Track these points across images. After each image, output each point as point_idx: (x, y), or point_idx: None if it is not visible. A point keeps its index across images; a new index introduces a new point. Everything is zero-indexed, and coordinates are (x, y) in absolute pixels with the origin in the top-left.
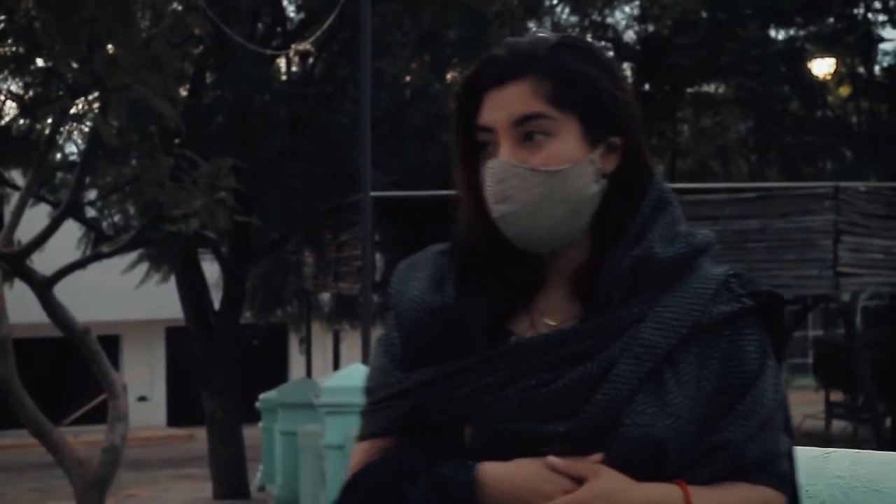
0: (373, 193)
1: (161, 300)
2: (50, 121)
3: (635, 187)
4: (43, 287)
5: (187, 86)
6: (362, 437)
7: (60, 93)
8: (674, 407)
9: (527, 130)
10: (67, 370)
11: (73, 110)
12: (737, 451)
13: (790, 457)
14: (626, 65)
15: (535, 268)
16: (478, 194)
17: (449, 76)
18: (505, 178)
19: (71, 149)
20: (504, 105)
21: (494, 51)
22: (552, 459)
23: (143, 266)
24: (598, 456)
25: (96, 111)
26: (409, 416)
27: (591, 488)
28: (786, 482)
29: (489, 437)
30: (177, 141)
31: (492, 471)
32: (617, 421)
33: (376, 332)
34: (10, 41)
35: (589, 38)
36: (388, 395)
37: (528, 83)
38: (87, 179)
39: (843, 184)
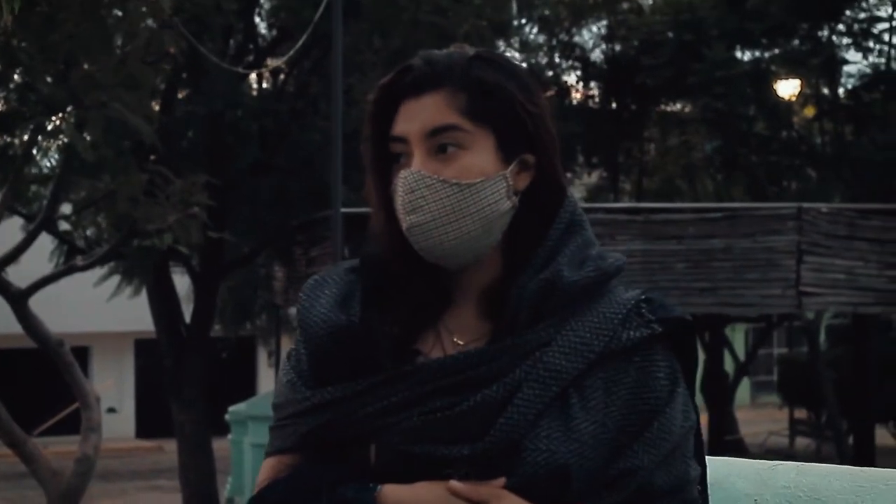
0: (343, 210)
1: (130, 312)
2: (26, 137)
3: (547, 207)
4: (18, 299)
5: (159, 101)
6: (270, 453)
7: (37, 108)
8: (578, 433)
9: (440, 142)
10: (37, 381)
11: (48, 126)
12: (644, 478)
13: (702, 483)
14: (593, 84)
15: (444, 285)
16: (389, 206)
17: None
18: (416, 188)
19: (46, 162)
20: (418, 115)
21: (411, 61)
22: (454, 483)
23: (115, 278)
24: (500, 481)
25: (72, 127)
26: (314, 434)
27: None
28: None
29: (393, 458)
30: (152, 157)
31: (393, 493)
32: (520, 445)
33: None
34: None
35: (557, 57)
36: (295, 412)
37: (443, 94)
38: (62, 194)
39: (805, 205)
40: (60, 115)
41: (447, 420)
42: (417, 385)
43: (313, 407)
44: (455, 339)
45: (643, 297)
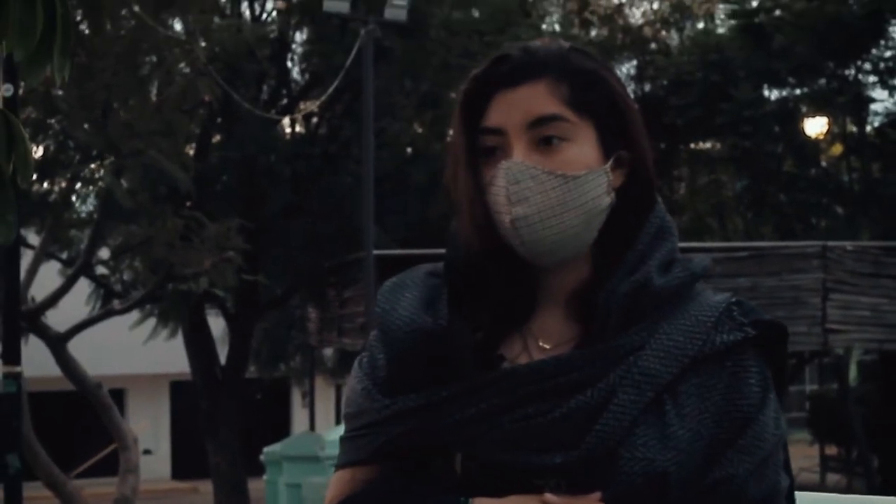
0: (375, 252)
1: (166, 355)
2: (64, 184)
3: (639, 207)
4: (57, 343)
5: (194, 146)
6: (342, 465)
7: (76, 157)
8: (675, 440)
9: (543, 133)
10: (75, 422)
11: (86, 173)
12: (739, 487)
13: (790, 496)
14: None
15: (531, 287)
16: (479, 201)
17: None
18: (521, 179)
19: (83, 207)
20: (518, 106)
21: (506, 50)
22: (549, 497)
23: (151, 321)
24: (596, 495)
25: (110, 174)
26: (395, 443)
27: None
28: None
29: (481, 468)
30: (188, 204)
31: None
32: (616, 453)
33: None
34: (29, 107)
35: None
36: (373, 421)
37: (544, 84)
38: (100, 239)
39: (830, 243)
40: (98, 162)
41: (540, 427)
42: (507, 391)
43: (395, 414)
44: (541, 344)
45: (733, 299)
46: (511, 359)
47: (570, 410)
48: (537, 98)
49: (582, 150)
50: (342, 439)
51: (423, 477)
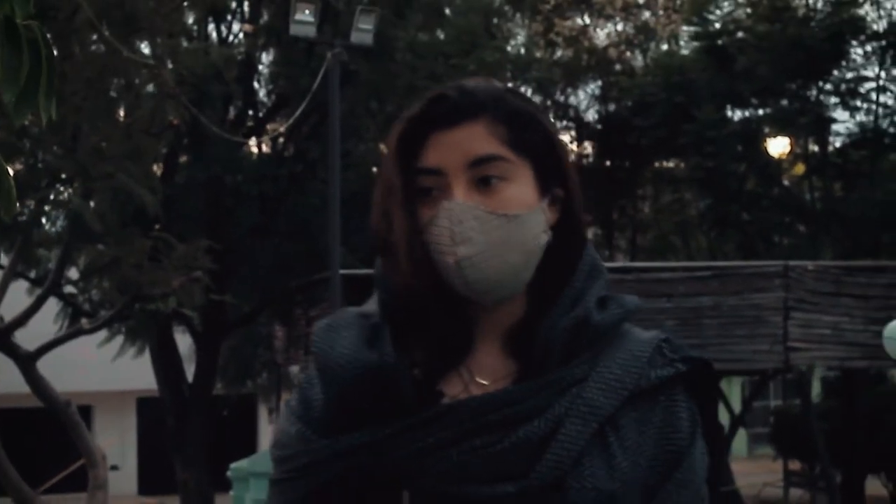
0: (342, 271)
1: (133, 371)
2: (33, 205)
3: (573, 245)
4: (26, 362)
5: (161, 166)
6: None
7: (45, 179)
8: (620, 472)
9: (482, 173)
10: (41, 439)
11: (55, 196)
12: None
13: None
14: (587, 143)
15: (468, 325)
16: (417, 242)
17: None
18: (464, 219)
19: (52, 228)
20: (457, 146)
21: (442, 90)
22: None
23: (118, 339)
24: None
25: (79, 197)
26: (337, 483)
27: None
28: None
29: (429, 501)
30: (157, 227)
31: None
32: (564, 483)
33: None
34: None
35: (552, 117)
36: (312, 462)
37: (482, 124)
38: (68, 260)
39: (792, 262)
40: (68, 185)
41: (489, 458)
42: (455, 424)
43: (339, 453)
44: (479, 380)
45: (662, 336)
46: (451, 395)
47: (518, 440)
48: (476, 138)
49: (521, 189)
50: (273, 482)
51: None
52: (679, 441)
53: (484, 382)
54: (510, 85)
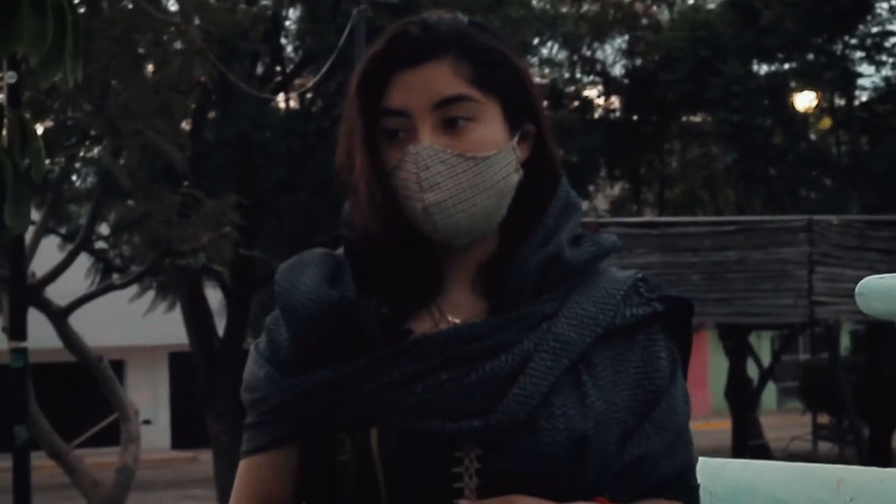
0: None
1: (164, 326)
2: (63, 163)
3: (545, 181)
4: (59, 317)
5: (190, 122)
6: (250, 452)
7: (74, 138)
8: (594, 411)
9: (449, 114)
10: (74, 393)
11: (85, 153)
12: (654, 464)
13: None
14: (614, 98)
15: (438, 265)
16: (382, 185)
17: None
18: (431, 164)
19: (83, 184)
20: (421, 87)
21: (405, 27)
22: (463, 502)
23: (149, 294)
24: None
25: (109, 155)
26: (306, 423)
27: None
28: (695, 496)
29: (397, 440)
30: (185, 183)
31: None
32: (534, 421)
33: None
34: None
35: (578, 73)
36: (280, 402)
37: (447, 63)
38: (99, 216)
39: (816, 217)
40: (97, 142)
41: (455, 393)
42: (420, 359)
43: (304, 392)
44: (450, 318)
45: (639, 276)
46: (419, 333)
47: (485, 374)
48: (441, 78)
49: (489, 129)
50: (246, 426)
51: (333, 458)
52: (658, 381)
53: (455, 321)
54: (481, 20)
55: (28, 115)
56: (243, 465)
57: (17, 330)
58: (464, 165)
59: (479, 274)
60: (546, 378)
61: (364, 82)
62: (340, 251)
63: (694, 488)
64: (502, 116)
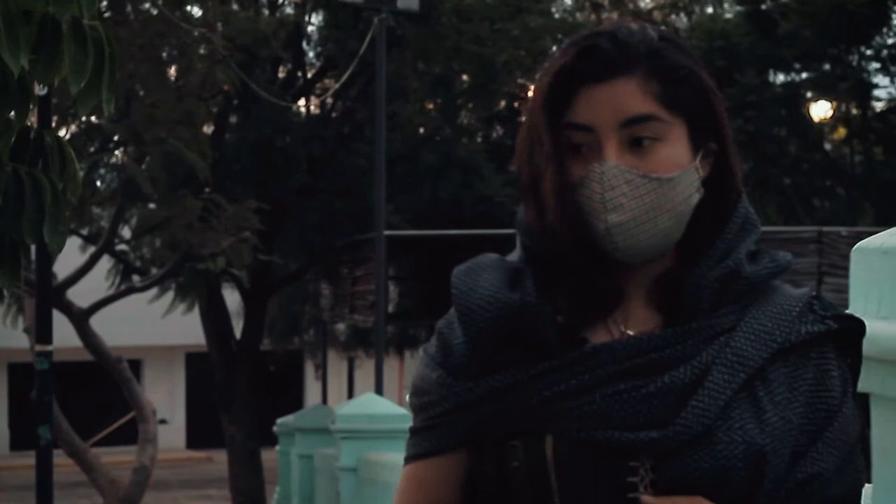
0: (386, 232)
1: (181, 327)
2: (87, 169)
3: (726, 198)
4: (80, 319)
5: (211, 126)
6: (415, 457)
7: (98, 142)
8: (770, 426)
9: (635, 133)
10: (90, 392)
11: (109, 158)
12: (827, 483)
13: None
14: None
15: (617, 278)
16: (568, 200)
17: (460, 119)
18: (616, 185)
19: (105, 187)
20: (609, 103)
21: (593, 39)
22: (646, 498)
23: (168, 295)
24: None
25: (133, 162)
26: (479, 429)
27: None
28: None
29: (572, 448)
30: (207, 189)
31: None
32: (712, 435)
33: (389, 363)
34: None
35: None
36: (454, 406)
37: (636, 80)
38: (121, 220)
39: (825, 228)
40: (122, 149)
41: (633, 403)
42: (598, 367)
43: (480, 397)
44: (624, 330)
45: (813, 293)
46: (597, 342)
47: (663, 386)
48: (629, 96)
49: (674, 149)
50: (414, 430)
51: (503, 465)
52: (830, 400)
53: (630, 333)
54: (663, 30)
55: (55, 119)
56: (408, 470)
57: (43, 334)
58: (648, 186)
59: (655, 288)
60: (724, 391)
61: (550, 94)
62: (513, 257)
63: None
64: (687, 135)
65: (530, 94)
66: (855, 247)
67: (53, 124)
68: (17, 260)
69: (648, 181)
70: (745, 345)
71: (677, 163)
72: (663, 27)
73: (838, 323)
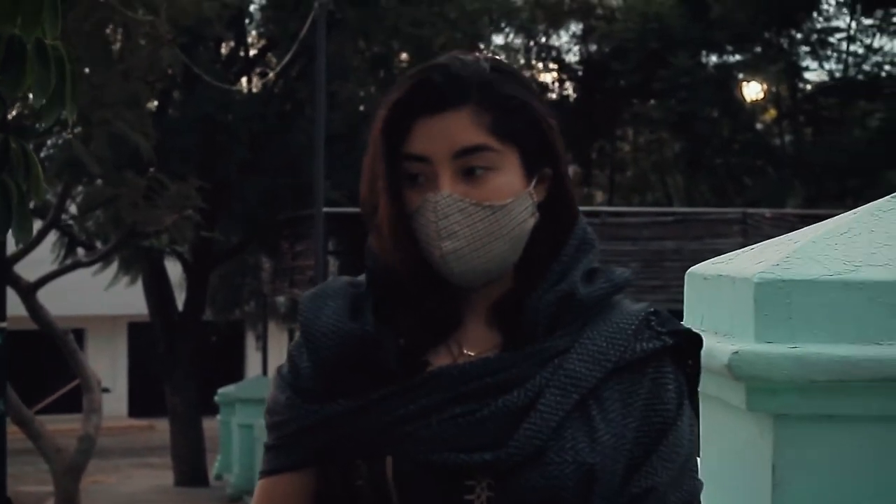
0: (325, 209)
1: (124, 297)
2: (32, 148)
3: (562, 220)
4: (27, 292)
5: (155, 105)
6: (268, 472)
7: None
8: (602, 445)
9: (468, 164)
10: (35, 362)
11: (54, 139)
12: (662, 496)
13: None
14: (568, 84)
15: (455, 300)
16: (404, 228)
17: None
18: (450, 213)
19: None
20: (442, 135)
21: (426, 73)
22: None
23: (112, 268)
24: None
25: (79, 143)
26: (324, 450)
27: None
28: None
29: (411, 469)
30: (151, 169)
31: None
32: (544, 455)
33: None
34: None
35: (534, 59)
36: (300, 428)
37: (467, 112)
38: (68, 197)
39: (750, 210)
40: (68, 129)
41: (468, 426)
42: (435, 392)
43: (324, 420)
44: (466, 351)
45: (651, 309)
46: (437, 365)
47: (497, 410)
48: (461, 127)
49: (507, 177)
50: (268, 447)
51: (349, 482)
52: (665, 413)
53: (470, 354)
54: (495, 57)
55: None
56: (262, 485)
57: None
58: (481, 214)
59: (493, 309)
60: (556, 413)
61: (386, 127)
62: (362, 278)
63: None
64: (520, 163)
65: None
66: (688, 272)
67: (38, 161)
68: None
69: (481, 209)
70: (578, 366)
71: (510, 190)
72: (599, 9)
73: (674, 338)
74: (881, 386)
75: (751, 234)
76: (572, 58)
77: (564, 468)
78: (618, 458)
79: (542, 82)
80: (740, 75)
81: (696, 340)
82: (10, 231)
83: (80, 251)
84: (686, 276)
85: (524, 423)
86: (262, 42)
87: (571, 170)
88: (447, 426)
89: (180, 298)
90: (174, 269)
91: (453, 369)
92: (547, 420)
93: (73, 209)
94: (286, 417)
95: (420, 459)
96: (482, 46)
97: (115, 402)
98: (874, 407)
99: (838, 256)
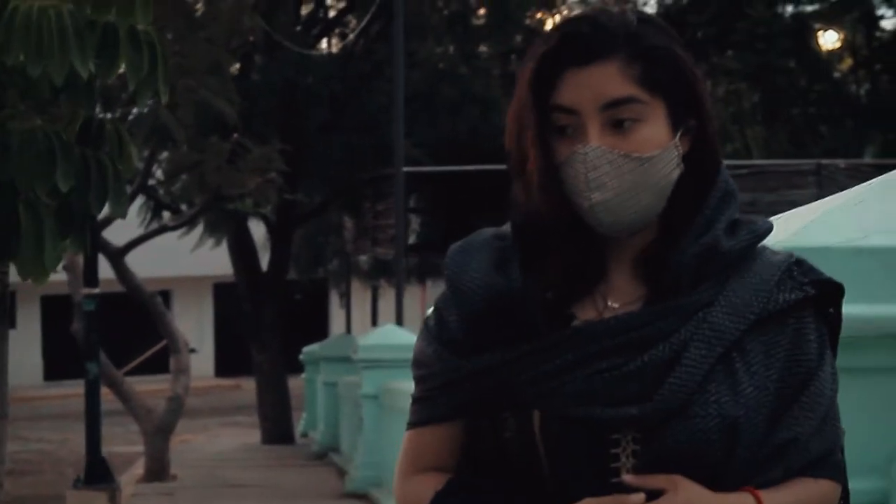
0: (405, 168)
1: (209, 258)
2: (119, 115)
3: (706, 172)
4: (116, 256)
5: (237, 68)
6: (416, 424)
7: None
8: (745, 397)
9: (617, 116)
10: (122, 323)
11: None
12: (804, 445)
13: (842, 447)
14: None
15: (601, 251)
16: (553, 178)
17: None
18: (599, 165)
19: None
20: (590, 87)
21: (575, 25)
22: (628, 477)
23: (197, 230)
24: (677, 477)
25: (165, 110)
26: (472, 402)
27: (671, 500)
28: (842, 473)
29: (558, 423)
30: (235, 135)
31: None
32: (688, 408)
33: (412, 291)
34: None
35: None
36: (449, 381)
37: (616, 64)
38: (154, 162)
39: (824, 161)
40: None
41: (614, 381)
42: (581, 347)
43: (471, 374)
44: (610, 303)
45: (793, 259)
46: (581, 317)
47: (642, 364)
48: (610, 79)
49: (654, 128)
50: (415, 399)
51: (497, 434)
52: (807, 363)
53: (615, 305)
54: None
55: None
56: (409, 436)
57: (90, 278)
58: (629, 166)
59: (638, 261)
60: (700, 367)
61: (535, 79)
62: (506, 228)
63: (841, 466)
64: (666, 115)
65: (519, 75)
66: None
67: (130, 142)
68: (84, 230)
69: (630, 161)
70: (721, 319)
71: (657, 142)
72: None
73: (816, 289)
74: (890, 341)
75: (825, 184)
76: (649, 10)
77: (709, 421)
78: (760, 410)
79: None
80: (816, 25)
81: (837, 289)
82: (106, 205)
83: (166, 215)
84: None
85: (669, 378)
86: (342, 3)
87: None
88: (593, 381)
89: (264, 259)
90: (258, 230)
91: (598, 325)
92: (692, 374)
93: (158, 174)
94: (434, 370)
95: (566, 414)
96: (555, 2)
97: (202, 362)
98: (883, 360)
99: (851, 225)
